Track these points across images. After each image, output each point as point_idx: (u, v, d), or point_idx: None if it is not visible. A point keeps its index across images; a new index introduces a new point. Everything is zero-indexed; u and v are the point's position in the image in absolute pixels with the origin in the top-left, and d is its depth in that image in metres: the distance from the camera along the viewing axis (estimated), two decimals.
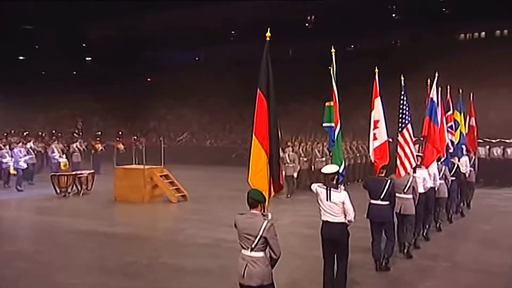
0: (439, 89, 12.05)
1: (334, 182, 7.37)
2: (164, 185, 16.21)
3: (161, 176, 16.27)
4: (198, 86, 36.82)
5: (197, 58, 47.51)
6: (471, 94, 16.11)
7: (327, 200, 7.27)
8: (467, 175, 13.98)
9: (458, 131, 14.15)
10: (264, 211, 5.89)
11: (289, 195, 16.59)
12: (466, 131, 15.28)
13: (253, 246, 5.61)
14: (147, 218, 14.30)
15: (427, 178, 10.56)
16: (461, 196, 13.87)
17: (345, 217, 7.25)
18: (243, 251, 5.72)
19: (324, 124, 8.80)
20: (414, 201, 9.63)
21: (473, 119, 16.29)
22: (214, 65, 40.35)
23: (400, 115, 10.42)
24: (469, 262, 9.54)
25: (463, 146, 14.37)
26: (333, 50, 8.49)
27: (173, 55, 45.32)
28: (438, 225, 11.83)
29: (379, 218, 8.81)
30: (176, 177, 16.69)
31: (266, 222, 5.61)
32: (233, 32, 44.03)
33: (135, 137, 26.33)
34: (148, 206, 15.62)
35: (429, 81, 11.96)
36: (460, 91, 14.77)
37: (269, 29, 6.48)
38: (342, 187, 7.41)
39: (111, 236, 11.73)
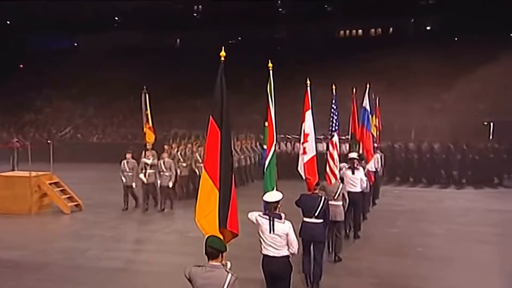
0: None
1: (277, 211, 6.39)
2: (55, 194, 14.10)
3: (50, 184, 14.12)
4: (79, 76, 33.75)
5: (75, 44, 44.04)
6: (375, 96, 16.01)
7: (270, 232, 6.30)
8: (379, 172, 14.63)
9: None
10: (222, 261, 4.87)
11: (163, 208, 14.36)
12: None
13: None
14: (38, 236, 11.79)
15: (363, 178, 11.18)
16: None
17: (288, 249, 6.35)
18: None
19: (264, 146, 7.76)
20: (344, 208, 9.63)
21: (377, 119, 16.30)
22: (96, 53, 37.07)
23: (330, 122, 10.38)
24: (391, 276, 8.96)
25: (375, 144, 14.43)
26: (270, 65, 7.49)
27: (47, 40, 41.75)
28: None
29: (312, 237, 8.06)
30: (65, 181, 14.67)
31: (230, 276, 4.73)
32: (116, 18, 41.50)
33: (16, 139, 23.12)
34: (37, 220, 13.33)
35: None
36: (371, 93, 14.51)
37: (223, 48, 5.65)
38: (283, 214, 6.41)
39: None
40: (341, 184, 9.73)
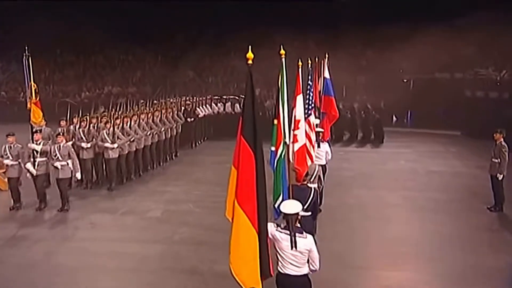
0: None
1: (298, 223, 5.37)
2: None
3: None
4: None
5: None
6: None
7: (292, 248, 5.23)
8: None
9: None
10: None
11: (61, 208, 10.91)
12: None
13: None
14: None
15: (328, 151, 10.70)
16: None
17: (308, 267, 5.39)
18: None
19: (272, 148, 6.55)
20: (319, 189, 8.94)
21: None
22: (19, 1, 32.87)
23: (307, 100, 9.53)
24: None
25: None
26: (282, 52, 6.10)
27: None
28: None
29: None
30: None
31: None
32: None
33: None
34: None
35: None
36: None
37: (250, 48, 4.54)
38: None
39: None
40: (318, 166, 8.85)
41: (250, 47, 4.60)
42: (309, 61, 10.17)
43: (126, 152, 13.07)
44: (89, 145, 12.47)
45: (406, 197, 11.78)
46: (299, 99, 7.60)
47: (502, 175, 10.60)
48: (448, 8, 22.54)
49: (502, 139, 10.70)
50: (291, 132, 7.54)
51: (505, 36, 20.54)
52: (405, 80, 25.36)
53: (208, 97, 20.63)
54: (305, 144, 7.71)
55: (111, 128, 12.44)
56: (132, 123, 13.52)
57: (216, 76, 26.28)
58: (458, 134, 20.48)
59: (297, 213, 5.31)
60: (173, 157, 16.35)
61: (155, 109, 15.68)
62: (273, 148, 6.37)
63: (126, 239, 9.21)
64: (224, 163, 10.41)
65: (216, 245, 8.55)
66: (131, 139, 13.15)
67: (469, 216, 10.42)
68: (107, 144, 12.36)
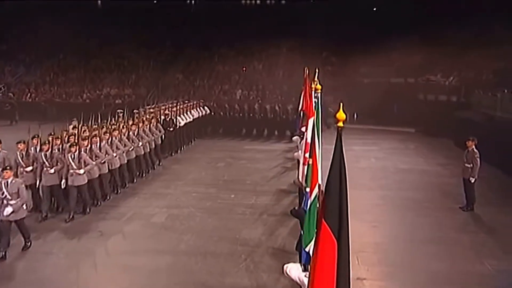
0: None
1: None
2: None
3: None
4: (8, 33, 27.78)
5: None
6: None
7: None
8: None
9: None
10: None
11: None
12: None
13: None
14: None
15: None
16: None
17: None
18: None
19: (306, 189, 5.25)
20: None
21: None
22: (25, 10, 29.89)
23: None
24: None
25: None
26: (318, 86, 4.81)
27: None
28: None
29: None
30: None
31: None
32: None
33: None
34: None
35: None
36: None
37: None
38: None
39: None
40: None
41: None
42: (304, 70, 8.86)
43: (97, 175, 9.68)
44: (52, 170, 8.99)
45: (384, 196, 10.69)
46: (311, 122, 6.29)
47: (474, 179, 9.70)
48: (403, 24, 21.74)
49: (474, 146, 9.76)
50: (302, 153, 6.34)
51: (450, 47, 20.07)
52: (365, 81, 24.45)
53: (188, 104, 17.49)
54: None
55: (77, 152, 9.13)
56: (103, 143, 9.97)
57: (202, 79, 24.68)
58: (413, 131, 19.67)
59: None
60: (154, 168, 12.94)
61: (131, 123, 11.98)
62: (307, 189, 5.07)
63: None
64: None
65: (221, 255, 7.43)
66: (102, 161, 9.80)
67: (447, 216, 9.45)
68: (72, 171, 9.04)
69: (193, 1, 35.54)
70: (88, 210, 9.41)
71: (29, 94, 24.03)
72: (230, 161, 14.34)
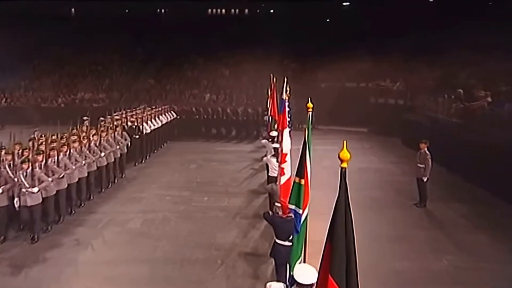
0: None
1: None
2: None
3: None
4: None
5: None
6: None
7: None
8: None
9: None
10: None
11: None
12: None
13: None
14: None
15: None
16: None
17: None
18: None
19: (290, 206, 4.76)
20: None
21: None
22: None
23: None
24: None
25: None
26: (310, 105, 4.30)
27: None
28: None
29: (286, 259, 5.40)
30: None
31: None
32: None
33: None
34: None
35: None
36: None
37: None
38: None
39: None
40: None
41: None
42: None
43: (53, 193, 8.05)
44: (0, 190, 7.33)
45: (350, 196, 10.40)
46: (286, 133, 5.85)
47: (426, 178, 9.62)
48: (354, 34, 21.86)
49: (426, 148, 9.65)
50: (278, 165, 5.89)
51: (395, 56, 20.12)
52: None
53: (156, 110, 15.84)
54: (291, 177, 6.01)
55: (29, 169, 7.47)
56: (61, 156, 8.37)
57: (173, 84, 23.80)
58: (366, 131, 19.69)
59: (313, 284, 3.41)
60: (115, 181, 11.06)
61: (93, 132, 10.18)
62: (300, 211, 4.58)
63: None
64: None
65: (197, 262, 6.90)
66: (60, 175, 8.12)
67: (403, 213, 9.30)
68: (24, 189, 7.38)
69: (162, 11, 34.77)
70: (36, 238, 7.55)
71: (4, 99, 22.35)
72: (202, 163, 13.73)
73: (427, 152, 9.59)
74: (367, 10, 23.58)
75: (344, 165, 2.80)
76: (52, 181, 7.88)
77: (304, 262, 4.52)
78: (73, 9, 34.02)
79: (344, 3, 29.14)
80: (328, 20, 28.39)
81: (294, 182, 4.68)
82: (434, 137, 12.40)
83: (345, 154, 2.76)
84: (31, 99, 22.40)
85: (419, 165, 9.66)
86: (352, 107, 20.67)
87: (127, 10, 34.26)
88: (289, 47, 24.20)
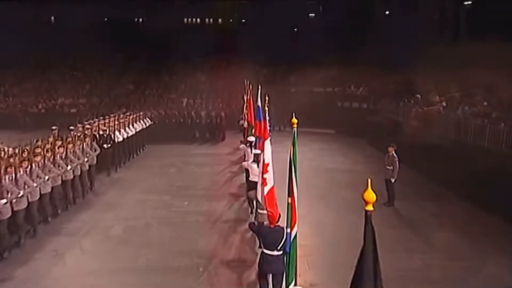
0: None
1: None
2: None
3: None
4: None
5: None
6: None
7: None
8: None
9: None
10: None
11: None
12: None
13: None
14: None
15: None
16: None
17: None
18: None
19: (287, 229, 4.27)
20: None
21: None
22: None
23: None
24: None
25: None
26: (294, 120, 3.84)
27: None
28: None
29: (272, 269, 5.01)
30: None
31: None
32: None
33: None
34: None
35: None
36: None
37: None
38: None
39: None
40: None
41: None
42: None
43: (9, 215, 6.71)
44: None
45: (320, 196, 10.04)
46: (267, 144, 5.40)
47: (394, 179, 9.43)
48: (319, 43, 21.71)
49: (393, 151, 9.47)
50: (260, 175, 5.41)
51: (359, 64, 19.97)
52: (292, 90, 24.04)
53: (129, 117, 14.25)
54: (273, 187, 5.54)
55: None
56: (21, 172, 7.01)
57: (151, 89, 22.89)
58: (333, 132, 19.52)
59: None
60: (84, 196, 9.55)
61: (59, 144, 8.73)
62: (288, 229, 4.12)
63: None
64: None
65: (180, 270, 6.36)
66: (19, 195, 6.80)
67: (374, 213, 9.01)
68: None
69: (140, 20, 33.52)
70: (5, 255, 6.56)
71: None
72: (181, 166, 13.09)
73: (394, 155, 9.41)
74: (334, 20, 23.55)
75: (370, 207, 2.20)
76: (6, 202, 6.57)
77: (296, 284, 4.08)
78: (52, 17, 32.31)
79: (310, 14, 29.08)
80: (295, 30, 28.20)
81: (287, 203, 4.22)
82: (397, 138, 12.32)
83: (371, 195, 2.20)
84: (11, 104, 20.85)
85: (387, 167, 9.47)
86: (320, 110, 20.50)
87: (105, 19, 33.06)
88: (260, 55, 23.84)
